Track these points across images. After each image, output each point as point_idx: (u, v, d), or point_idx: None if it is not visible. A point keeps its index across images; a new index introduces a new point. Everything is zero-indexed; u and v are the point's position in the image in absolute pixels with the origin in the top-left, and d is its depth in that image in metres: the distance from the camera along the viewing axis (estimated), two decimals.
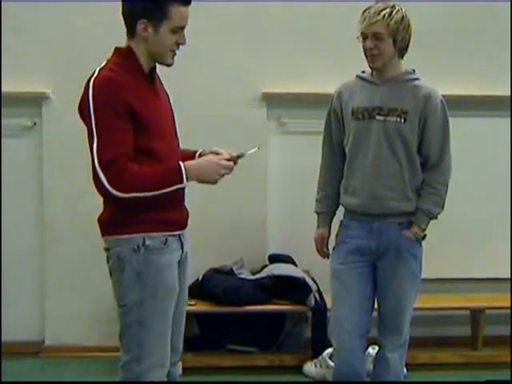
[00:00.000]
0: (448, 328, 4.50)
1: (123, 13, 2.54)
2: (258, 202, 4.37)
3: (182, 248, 2.65)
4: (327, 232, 3.22)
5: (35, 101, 4.27)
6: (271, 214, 4.40)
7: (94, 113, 2.42)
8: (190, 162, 2.53)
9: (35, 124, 4.32)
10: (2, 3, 4.18)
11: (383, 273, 3.03)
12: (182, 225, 2.66)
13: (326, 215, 3.21)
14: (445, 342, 4.42)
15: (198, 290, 4.17)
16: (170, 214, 2.56)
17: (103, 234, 2.55)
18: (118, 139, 2.40)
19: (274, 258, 4.35)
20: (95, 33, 4.23)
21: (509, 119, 4.40)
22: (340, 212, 3.18)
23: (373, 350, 4.00)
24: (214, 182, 2.58)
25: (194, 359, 4.15)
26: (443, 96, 4.31)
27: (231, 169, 2.57)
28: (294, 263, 4.30)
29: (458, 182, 4.43)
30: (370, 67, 3.03)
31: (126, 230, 2.48)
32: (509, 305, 4.17)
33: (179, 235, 2.63)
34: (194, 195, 4.38)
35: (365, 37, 2.95)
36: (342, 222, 3.14)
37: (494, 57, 4.45)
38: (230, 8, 4.29)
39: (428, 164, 3.02)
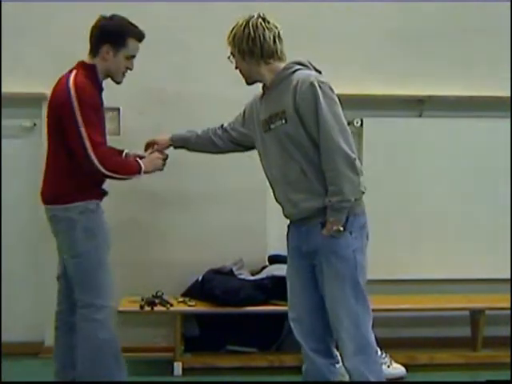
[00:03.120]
0: (448, 328, 4.50)
1: (92, 36, 3.30)
2: (258, 203, 4.37)
3: None
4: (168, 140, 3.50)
5: (35, 102, 4.26)
6: (271, 214, 4.39)
7: (80, 108, 3.14)
8: (143, 160, 3.40)
9: (35, 125, 4.33)
10: (2, 3, 4.17)
11: (318, 276, 2.97)
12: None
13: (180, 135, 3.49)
14: (444, 343, 4.42)
15: (198, 291, 4.18)
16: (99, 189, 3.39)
17: (57, 202, 3.29)
18: (99, 129, 3.23)
19: (274, 259, 4.35)
20: None
21: (509, 120, 4.39)
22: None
23: None
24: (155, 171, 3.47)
25: (194, 360, 4.16)
26: (444, 96, 4.39)
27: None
28: None
29: (458, 183, 4.48)
30: None
31: (80, 198, 3.27)
32: (509, 305, 4.17)
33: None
34: (194, 195, 4.41)
35: None
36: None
37: (494, 57, 4.45)
38: (229, 8, 4.28)
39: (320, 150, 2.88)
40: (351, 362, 2.91)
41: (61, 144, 3.24)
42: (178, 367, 4.09)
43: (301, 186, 2.92)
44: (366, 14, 4.36)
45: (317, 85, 2.85)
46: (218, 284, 4.10)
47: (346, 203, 2.83)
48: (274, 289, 4.10)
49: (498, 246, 4.47)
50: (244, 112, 3.27)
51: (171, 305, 4.12)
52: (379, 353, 3.17)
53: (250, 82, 3.09)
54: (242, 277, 4.22)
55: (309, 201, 2.91)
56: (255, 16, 2.98)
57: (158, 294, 4.18)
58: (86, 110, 3.15)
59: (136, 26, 3.35)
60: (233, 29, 3.02)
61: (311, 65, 3.04)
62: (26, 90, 4.24)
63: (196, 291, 4.20)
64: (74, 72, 3.24)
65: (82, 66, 3.29)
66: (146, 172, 3.34)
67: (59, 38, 4.27)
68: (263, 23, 2.97)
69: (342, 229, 2.86)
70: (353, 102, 4.10)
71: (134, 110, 4.34)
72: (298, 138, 2.89)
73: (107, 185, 3.42)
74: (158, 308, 4.11)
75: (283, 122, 2.91)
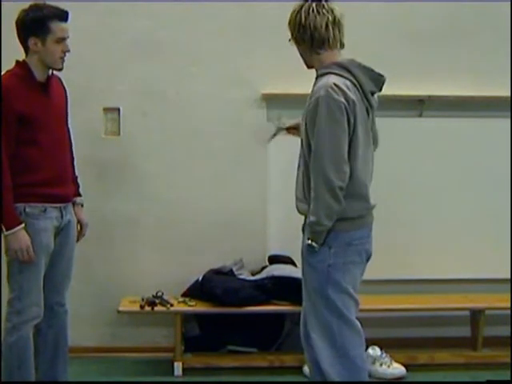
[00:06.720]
0: (448, 328, 4.49)
1: (17, 35, 3.20)
2: (258, 203, 4.37)
3: (62, 217, 3.28)
4: None
5: None
6: (271, 214, 4.40)
7: None
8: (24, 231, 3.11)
9: None
10: (2, 3, 4.17)
11: None
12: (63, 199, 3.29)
13: None
14: (444, 343, 4.42)
15: (198, 291, 4.18)
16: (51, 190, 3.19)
17: None
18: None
19: (274, 259, 4.35)
20: (96, 34, 4.23)
21: (509, 120, 4.39)
22: None
23: (372, 351, 4.02)
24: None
25: (194, 360, 4.15)
26: (444, 96, 4.39)
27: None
28: (293, 264, 4.29)
29: (458, 183, 4.48)
30: None
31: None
32: (509, 305, 4.17)
33: (60, 207, 3.26)
34: (194, 195, 4.40)
35: None
36: None
37: (494, 57, 4.44)
38: (229, 8, 4.29)
39: None
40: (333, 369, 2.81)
41: None
42: (178, 367, 4.09)
43: (299, 186, 2.90)
44: (365, 14, 4.35)
45: (323, 100, 2.69)
46: (218, 284, 4.10)
47: (319, 227, 2.75)
48: (274, 289, 4.10)
49: (498, 245, 4.46)
50: None
51: (171, 305, 4.12)
52: (365, 370, 2.94)
53: (308, 66, 2.92)
54: (242, 277, 4.21)
55: (301, 202, 2.88)
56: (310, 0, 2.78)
57: (158, 294, 4.18)
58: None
59: (55, 7, 3.19)
60: (291, 13, 2.86)
61: (353, 69, 2.81)
62: None
63: (196, 291, 4.20)
64: (6, 72, 3.20)
65: (15, 64, 3.22)
66: (8, 233, 3.09)
67: None
68: (316, 8, 2.77)
69: (316, 246, 2.77)
70: None
71: (135, 111, 4.34)
72: (303, 140, 2.85)
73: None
74: (158, 308, 4.11)
75: (304, 120, 2.84)
